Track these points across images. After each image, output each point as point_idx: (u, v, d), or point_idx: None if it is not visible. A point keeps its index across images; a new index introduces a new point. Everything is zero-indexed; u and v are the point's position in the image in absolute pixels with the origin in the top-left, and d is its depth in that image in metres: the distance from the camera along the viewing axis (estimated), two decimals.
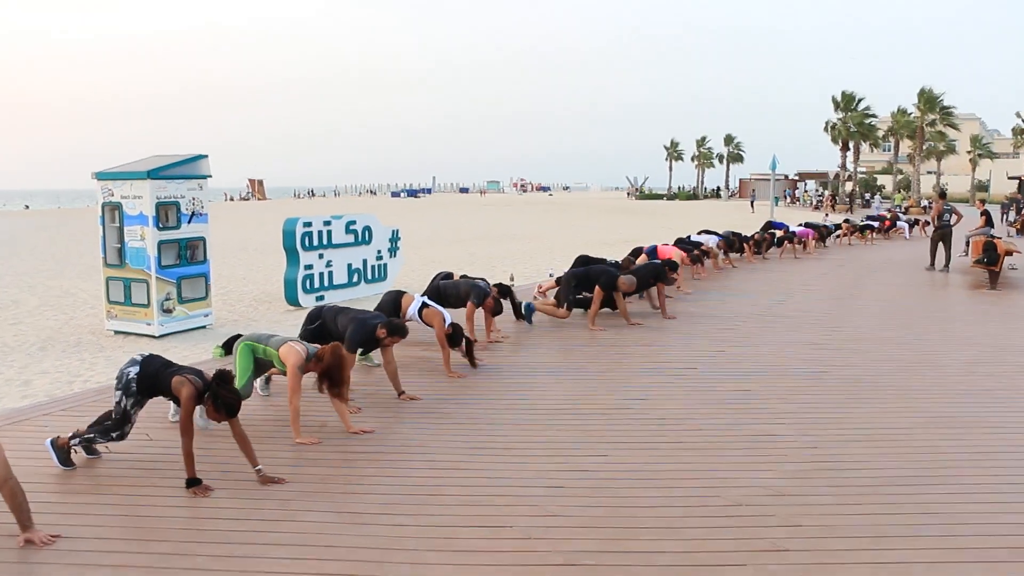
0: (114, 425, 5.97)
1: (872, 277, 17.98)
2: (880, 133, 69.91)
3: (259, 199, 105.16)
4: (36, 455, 6.05)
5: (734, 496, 5.41)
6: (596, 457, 6.19)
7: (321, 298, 15.34)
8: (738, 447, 6.42)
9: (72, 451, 6.04)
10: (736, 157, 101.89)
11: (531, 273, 19.81)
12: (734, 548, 4.69)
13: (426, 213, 60.96)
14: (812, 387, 8.29)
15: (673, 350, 10.10)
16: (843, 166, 69.84)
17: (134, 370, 5.97)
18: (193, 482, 5.52)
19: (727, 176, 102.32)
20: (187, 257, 12.73)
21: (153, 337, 12.21)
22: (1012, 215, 36.35)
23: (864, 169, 79.45)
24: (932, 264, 19.74)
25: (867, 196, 65.75)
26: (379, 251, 16.88)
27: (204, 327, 12.99)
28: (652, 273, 12.48)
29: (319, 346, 6.79)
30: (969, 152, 76.57)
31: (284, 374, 6.87)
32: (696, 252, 17.13)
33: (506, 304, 11.09)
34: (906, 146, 69.60)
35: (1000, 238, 18.95)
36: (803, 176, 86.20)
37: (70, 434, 6.05)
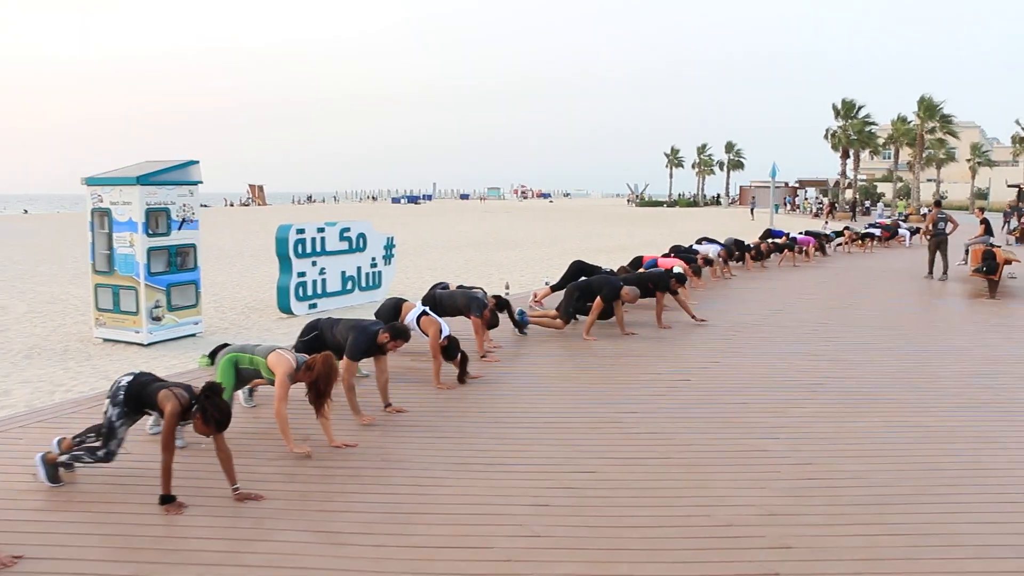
0: (101, 442, 5.78)
1: (870, 286, 17.81)
2: (880, 141, 69.82)
3: (259, 204, 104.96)
4: (4, 469, 5.89)
5: (724, 516, 5.24)
6: (583, 473, 6.02)
7: (314, 306, 15.19)
8: (729, 463, 6.25)
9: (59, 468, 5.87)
10: (736, 164, 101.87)
11: (528, 281, 19.65)
12: (723, 572, 4.52)
13: (425, 219, 60.78)
14: (807, 400, 8.12)
15: (666, 361, 9.93)
16: (843, 173, 69.68)
17: (127, 379, 5.82)
18: (167, 499, 5.35)
19: (727, 183, 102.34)
20: (177, 264, 12.55)
21: (142, 345, 12.04)
22: (1013, 223, 36.17)
23: (864, 177, 79.33)
24: (931, 273, 19.58)
25: (867, 204, 65.55)
26: (373, 258, 16.71)
27: (194, 335, 12.81)
28: (654, 281, 12.32)
29: (307, 356, 6.63)
30: (969, 160, 76.46)
31: (272, 383, 6.72)
32: (698, 262, 16.93)
33: (503, 317, 10.94)
34: (906, 154, 69.46)
35: (999, 247, 18.81)
36: (803, 183, 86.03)
37: (59, 450, 5.88)
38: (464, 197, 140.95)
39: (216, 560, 4.66)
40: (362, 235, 16.43)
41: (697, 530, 5.05)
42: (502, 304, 10.87)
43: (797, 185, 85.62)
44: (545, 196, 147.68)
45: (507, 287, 17.12)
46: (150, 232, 12.05)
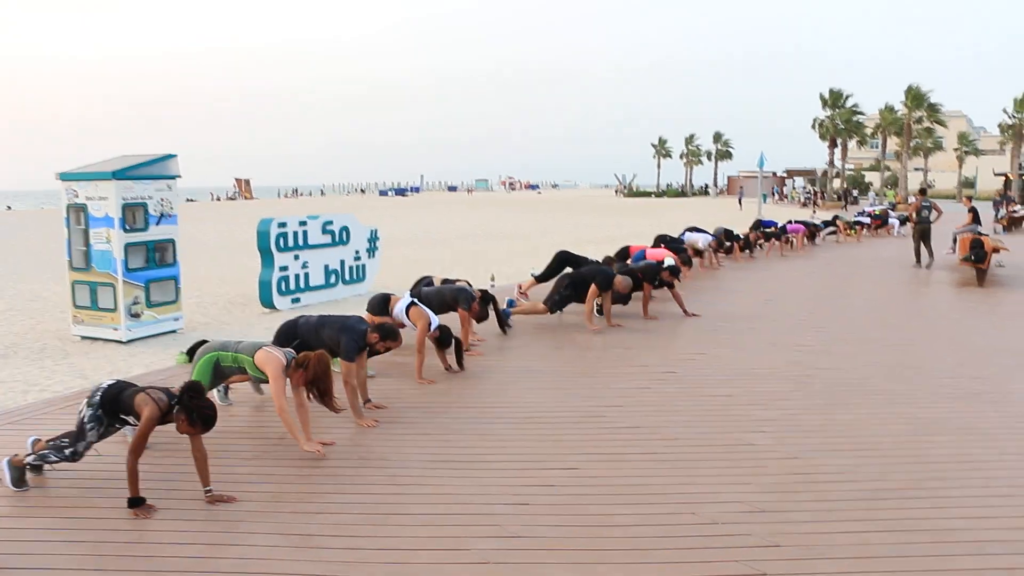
0: (69, 441, 5.59)
1: (859, 276, 17.72)
2: (868, 130, 69.90)
3: (246, 198, 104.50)
4: None
5: (710, 513, 5.10)
6: (565, 471, 5.87)
7: (297, 300, 15.01)
8: (715, 458, 6.11)
9: (27, 469, 5.69)
10: (724, 154, 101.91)
11: (514, 273, 19.47)
12: (709, 572, 4.38)
13: (412, 212, 60.54)
14: (794, 392, 7.99)
15: (653, 352, 9.79)
16: (831, 163, 69.77)
17: (107, 383, 5.61)
18: (136, 502, 5.18)
19: (715, 173, 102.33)
20: (156, 260, 12.34)
21: (121, 343, 11.85)
22: (1002, 212, 36.16)
23: (852, 166, 79.41)
24: (918, 261, 19.52)
25: (855, 193, 65.62)
26: (357, 251, 16.52)
27: (174, 331, 12.62)
28: (643, 272, 12.18)
29: (293, 351, 6.46)
30: (956, 149, 76.61)
31: (252, 381, 6.54)
32: (688, 252, 16.74)
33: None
34: (894, 143, 69.59)
35: (987, 235, 18.73)
36: (791, 173, 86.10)
37: (28, 451, 5.70)
38: (452, 189, 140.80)
39: (185, 567, 4.49)
40: (345, 228, 16.25)
41: (682, 528, 4.91)
42: (487, 299, 10.70)
43: (785, 175, 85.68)
44: (533, 188, 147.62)
45: (493, 279, 16.94)
46: (127, 228, 11.84)
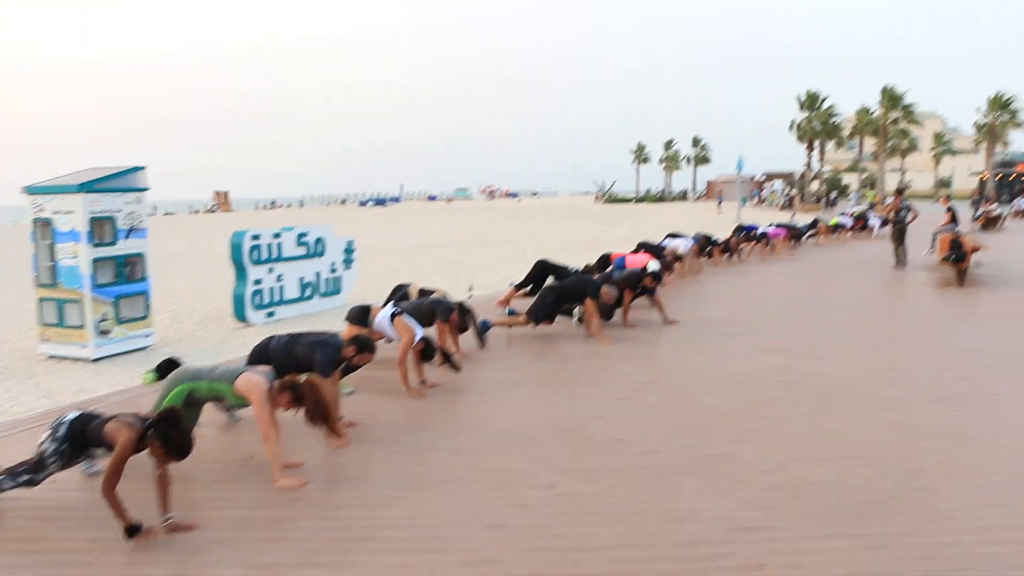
0: (26, 469, 5.31)
1: (840, 278, 17.61)
2: (845, 132, 70.21)
3: (225, 211, 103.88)
4: None
5: (692, 532, 4.89)
6: (542, 489, 5.64)
7: (272, 314, 14.74)
8: (698, 472, 5.90)
9: None
10: (703, 159, 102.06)
11: (493, 282, 19.24)
12: None
13: (392, 221, 60.24)
14: (778, 399, 7.80)
15: (633, 361, 9.59)
16: (809, 165, 69.98)
17: (72, 415, 5.28)
18: (133, 530, 4.86)
19: (694, 178, 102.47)
20: (125, 274, 12.06)
21: (89, 360, 11.56)
22: (980, 211, 36.29)
23: (830, 168, 79.70)
24: (898, 263, 19.45)
25: (833, 195, 65.85)
26: (333, 263, 16.26)
27: (145, 348, 12.33)
28: (624, 279, 12.00)
29: (273, 372, 6.21)
30: (932, 149, 77.04)
31: (235, 407, 6.30)
32: (668, 258, 16.55)
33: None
34: (870, 144, 69.87)
35: (966, 235, 18.67)
36: (770, 176, 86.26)
37: None
38: (432, 198, 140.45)
39: None
40: (320, 239, 15.99)
41: (664, 549, 4.69)
42: (464, 311, 10.45)
43: (763, 178, 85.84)
44: (513, 195, 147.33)
45: (471, 288, 16.73)
46: (95, 242, 11.56)
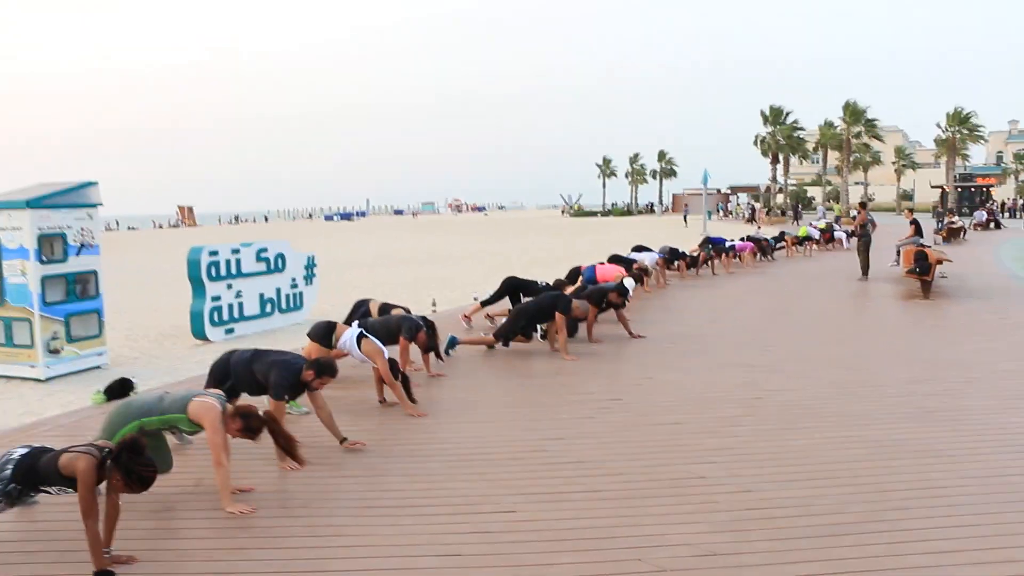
0: None
1: (807, 291, 17.55)
2: (809, 146, 70.80)
3: (189, 225, 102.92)
4: None
5: (657, 559, 4.67)
6: (501, 514, 5.40)
7: (231, 331, 14.42)
8: (663, 495, 5.69)
9: None
10: (669, 172, 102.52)
11: (457, 297, 19.02)
12: None
13: (357, 236, 59.86)
14: (745, 416, 7.62)
15: (597, 379, 9.36)
16: (773, 179, 70.46)
17: (20, 451, 4.90)
18: (104, 575, 4.60)
19: (660, 191, 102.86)
20: (76, 292, 11.71)
21: (39, 381, 11.19)
22: (942, 223, 36.64)
23: (795, 181, 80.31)
24: (865, 275, 19.46)
25: (798, 208, 66.29)
26: (294, 279, 15.96)
27: (99, 367, 11.97)
28: (589, 294, 11.80)
29: (224, 395, 5.93)
30: (894, 163, 77.88)
31: (189, 433, 6.01)
32: (636, 270, 16.36)
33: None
34: (834, 158, 70.49)
35: (930, 247, 18.71)
36: (735, 190, 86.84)
37: None
38: (398, 213, 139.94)
39: None
40: (280, 255, 15.68)
41: None
42: (430, 329, 10.17)
43: (729, 191, 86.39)
44: (480, 210, 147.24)
45: (434, 304, 16.48)
46: (44, 259, 11.22)
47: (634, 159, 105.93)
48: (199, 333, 14.19)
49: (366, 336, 8.24)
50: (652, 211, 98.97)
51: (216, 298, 14.29)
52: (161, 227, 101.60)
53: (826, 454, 6.48)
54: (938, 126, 65.60)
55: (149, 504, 5.68)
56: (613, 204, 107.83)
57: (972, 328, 12.35)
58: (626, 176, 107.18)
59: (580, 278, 15.04)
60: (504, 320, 11.52)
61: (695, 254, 21.78)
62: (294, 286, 15.96)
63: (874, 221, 20.36)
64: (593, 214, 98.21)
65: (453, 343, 10.97)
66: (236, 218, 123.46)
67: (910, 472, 6.02)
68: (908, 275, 16.74)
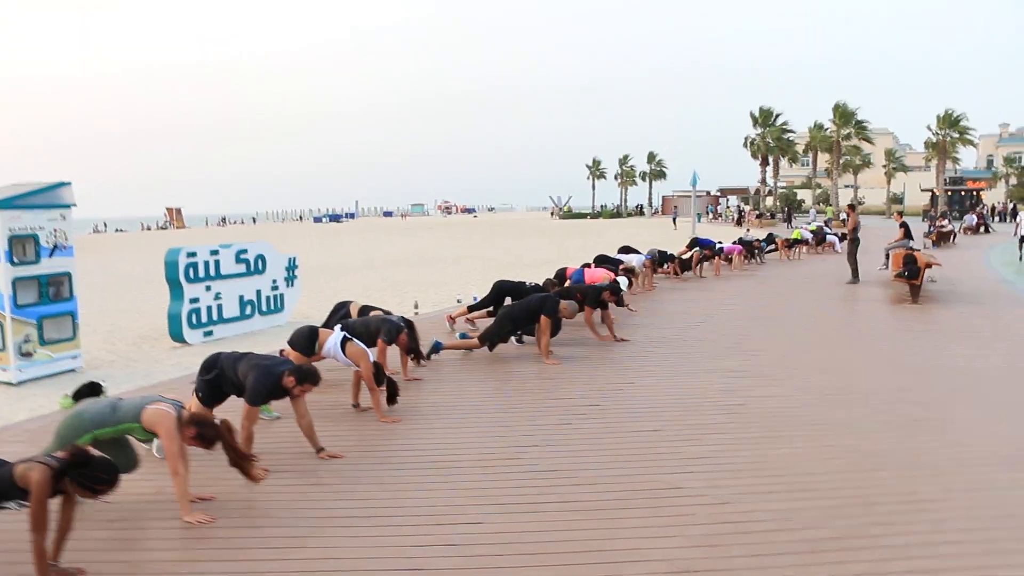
0: None
1: (795, 295, 17.35)
2: (799, 148, 70.69)
3: (178, 227, 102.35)
4: None
5: (631, 575, 4.46)
6: (468, 526, 5.18)
7: (210, 333, 14.18)
8: (639, 506, 5.47)
9: None
10: (659, 174, 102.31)
11: (441, 299, 18.79)
12: None
13: (345, 238, 59.58)
14: (726, 424, 7.40)
15: (576, 383, 9.13)
16: (763, 181, 70.35)
17: None
18: None
19: (650, 193, 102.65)
20: (49, 295, 11.46)
21: (10, 384, 10.94)
22: (933, 226, 36.55)
23: (784, 184, 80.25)
24: (855, 278, 19.29)
25: (787, 210, 66.20)
26: (274, 280, 15.71)
27: (73, 371, 11.73)
28: (583, 293, 11.60)
29: (182, 403, 5.69)
30: (884, 166, 77.84)
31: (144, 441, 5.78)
32: (622, 271, 16.15)
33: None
34: (824, 160, 70.41)
35: (919, 250, 18.55)
36: (725, 192, 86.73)
37: None
38: (387, 214, 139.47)
39: None
40: (261, 256, 15.43)
41: None
42: (411, 330, 9.94)
43: (719, 194, 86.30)
44: (470, 211, 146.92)
45: (416, 306, 16.26)
46: (15, 261, 10.97)
47: (624, 161, 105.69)
48: (177, 335, 13.95)
49: (350, 339, 8.02)
50: (642, 213, 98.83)
51: (194, 300, 14.05)
52: (149, 229, 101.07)
53: (808, 464, 6.27)
54: (928, 128, 65.51)
55: (106, 513, 5.47)
56: (603, 206, 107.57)
57: (961, 333, 12.17)
58: (616, 178, 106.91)
59: (568, 281, 14.82)
60: (490, 323, 11.29)
61: (684, 256, 21.61)
62: (275, 288, 15.71)
63: (859, 222, 20.17)
64: (583, 216, 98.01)
65: (437, 348, 10.75)
66: (223, 220, 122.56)
67: (894, 484, 5.81)
68: (896, 279, 16.58)
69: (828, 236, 31.26)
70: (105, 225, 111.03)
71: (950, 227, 37.11)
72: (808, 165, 76.03)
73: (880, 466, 6.19)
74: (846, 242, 23.34)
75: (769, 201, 70.69)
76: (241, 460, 5.57)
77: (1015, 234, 28.32)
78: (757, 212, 64.91)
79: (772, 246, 27.40)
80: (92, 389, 9.29)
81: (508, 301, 12.40)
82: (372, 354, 8.00)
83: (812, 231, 31.96)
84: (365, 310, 10.62)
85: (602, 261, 17.12)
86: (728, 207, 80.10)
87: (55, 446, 5.54)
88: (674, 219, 63.31)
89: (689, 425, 7.36)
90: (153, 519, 5.42)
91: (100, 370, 11.95)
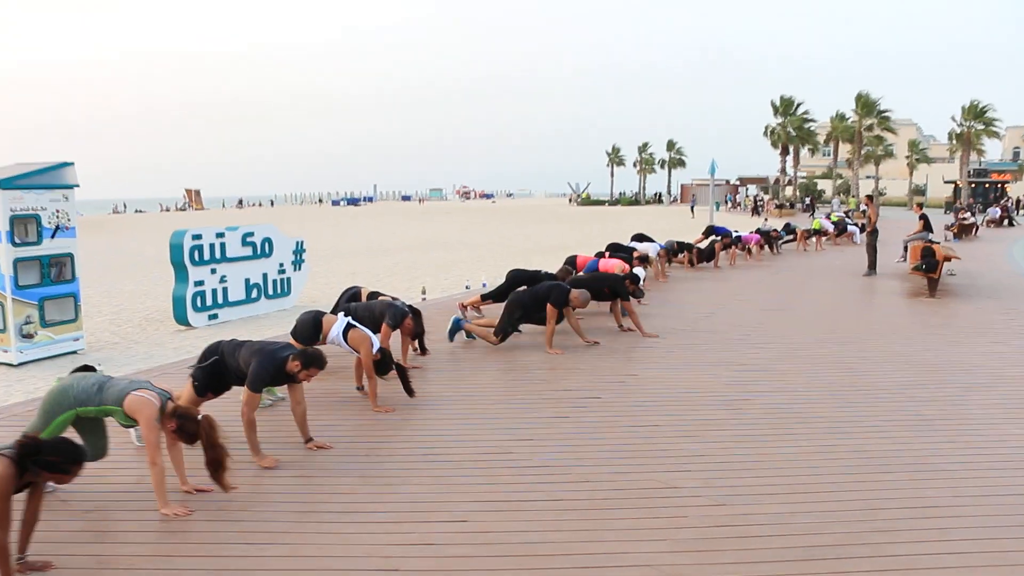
0: None
1: (809, 286, 17.03)
2: (820, 138, 69.95)
3: (196, 208, 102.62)
4: None
5: None
6: (451, 524, 4.97)
7: (215, 316, 14.08)
8: (629, 506, 5.24)
9: None
10: (678, 162, 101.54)
11: (450, 285, 18.61)
12: None
13: (362, 222, 59.44)
14: (728, 420, 7.16)
15: (578, 375, 8.89)
16: (783, 171, 69.72)
17: None
18: None
19: (669, 181, 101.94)
20: (51, 276, 11.36)
21: (11, 366, 10.86)
22: (951, 219, 36.01)
23: (804, 174, 79.54)
24: (873, 270, 18.95)
25: (807, 200, 65.46)
26: (281, 264, 15.57)
27: (74, 352, 11.64)
28: (607, 284, 11.36)
29: (170, 393, 5.51)
30: (907, 157, 76.98)
31: (126, 426, 5.60)
32: (637, 260, 15.86)
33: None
34: (845, 150, 69.65)
35: (939, 243, 18.19)
36: (744, 181, 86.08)
37: None
38: (406, 199, 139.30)
39: None
40: (267, 240, 15.29)
41: None
42: (416, 316, 9.71)
43: (738, 183, 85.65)
44: (488, 197, 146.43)
45: (424, 292, 16.07)
46: (16, 241, 10.88)
47: (643, 148, 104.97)
48: (181, 318, 13.86)
49: (354, 326, 7.82)
50: (660, 201, 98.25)
51: (199, 283, 13.94)
52: (168, 210, 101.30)
53: (810, 464, 6.03)
54: (953, 119, 64.66)
55: (80, 503, 5.31)
56: (621, 193, 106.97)
57: (978, 329, 11.86)
58: (634, 165, 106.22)
59: (580, 271, 14.53)
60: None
61: (701, 244, 21.28)
62: (282, 271, 15.59)
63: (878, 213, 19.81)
64: (601, 203, 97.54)
65: (458, 325, 10.63)
66: (241, 202, 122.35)
67: (900, 488, 5.56)
68: (914, 272, 16.25)
69: (849, 227, 30.73)
70: (125, 206, 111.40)
71: (972, 220, 36.56)
72: (829, 155, 75.24)
73: (886, 468, 5.94)
74: (865, 233, 22.97)
75: (788, 191, 70.04)
76: (218, 463, 5.35)
77: None
78: (777, 202, 64.21)
79: (790, 236, 26.95)
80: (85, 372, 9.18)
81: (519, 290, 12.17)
82: (376, 340, 7.79)
83: (834, 221, 31.45)
84: (373, 296, 10.43)
85: (616, 250, 16.82)
86: (747, 196, 79.42)
87: (39, 421, 5.45)
88: (692, 207, 62.78)
89: (690, 420, 7.13)
90: (129, 510, 5.25)
91: (102, 352, 11.86)
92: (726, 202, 74.68)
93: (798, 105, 66.88)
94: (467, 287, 16.65)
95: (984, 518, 5.06)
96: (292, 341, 7.93)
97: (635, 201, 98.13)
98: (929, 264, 15.54)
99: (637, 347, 10.40)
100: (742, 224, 32.44)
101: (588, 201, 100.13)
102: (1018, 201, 63.23)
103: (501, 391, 8.29)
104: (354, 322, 7.93)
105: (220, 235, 14.40)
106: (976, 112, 63.02)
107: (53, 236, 11.34)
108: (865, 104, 64.28)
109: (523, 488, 5.56)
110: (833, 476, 5.79)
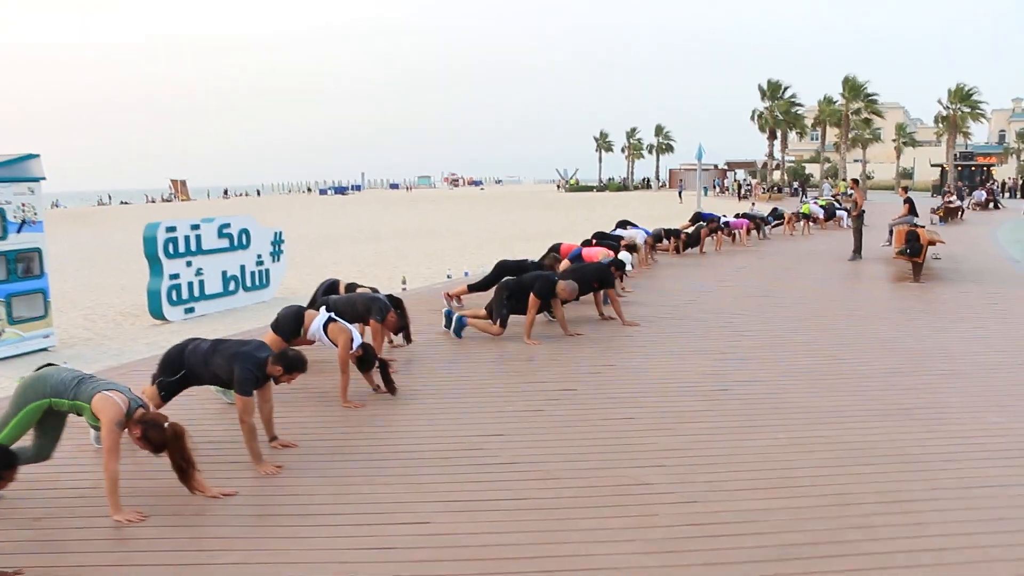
0: None
1: (795, 271, 16.86)
2: (807, 122, 69.88)
3: (183, 199, 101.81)
4: None
5: None
6: (412, 526, 4.78)
7: (191, 310, 13.85)
8: (598, 504, 5.07)
9: None
10: (666, 147, 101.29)
11: (432, 274, 18.41)
12: None
13: (348, 210, 59.11)
14: (706, 411, 6.99)
15: (554, 366, 8.70)
16: (771, 155, 69.65)
17: None
18: None
19: (657, 166, 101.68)
20: (18, 272, 11.12)
21: None
22: (938, 202, 35.91)
23: (792, 158, 79.48)
24: (859, 254, 18.82)
25: (802, 185, 65.34)
26: (259, 255, 15.35)
27: (45, 350, 11.41)
28: (595, 276, 11.16)
29: (144, 401, 5.30)
30: (894, 140, 76.97)
31: (94, 427, 5.41)
32: (624, 247, 15.63)
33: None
34: (832, 134, 69.57)
35: (923, 227, 18.05)
36: (732, 165, 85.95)
37: None
38: (394, 187, 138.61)
39: None
40: (245, 231, 15.06)
41: None
42: (399, 308, 9.47)
43: (726, 167, 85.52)
44: (476, 184, 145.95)
45: (404, 281, 15.86)
46: None
47: (631, 133, 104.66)
48: (156, 313, 13.64)
49: (334, 320, 7.61)
50: (648, 186, 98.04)
51: (174, 276, 13.71)
52: (153, 201, 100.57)
53: (786, 457, 5.87)
54: (939, 102, 64.57)
55: (29, 509, 5.10)
56: (609, 179, 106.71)
57: (962, 314, 11.72)
58: (622, 151, 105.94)
59: (565, 259, 14.31)
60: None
61: (688, 230, 21.09)
62: (260, 263, 15.37)
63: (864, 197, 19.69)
64: (589, 189, 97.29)
65: (461, 323, 10.41)
66: (226, 192, 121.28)
67: (877, 482, 5.39)
68: (898, 256, 16.11)
69: (837, 211, 30.56)
70: (110, 197, 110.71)
71: (958, 203, 36.47)
72: (816, 139, 75.17)
73: (863, 460, 5.77)
74: (851, 217, 22.82)
75: (776, 175, 69.95)
76: (186, 471, 5.17)
77: None
78: (764, 186, 64.08)
79: (778, 221, 26.77)
80: None
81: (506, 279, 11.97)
82: (356, 335, 7.57)
83: (822, 205, 31.29)
84: (351, 288, 10.19)
85: (602, 238, 16.60)
86: (735, 181, 79.27)
87: (12, 407, 5.29)
88: (680, 192, 62.64)
89: (665, 413, 6.95)
90: (82, 517, 5.05)
91: (73, 348, 11.65)
92: (714, 187, 74.55)
93: (785, 89, 66.85)
94: (448, 276, 16.46)
95: (962, 511, 4.92)
96: (273, 335, 7.71)
97: (623, 187, 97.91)
98: (913, 248, 15.40)
99: (617, 336, 10.22)
100: (728, 208, 32.24)
101: (576, 187, 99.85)
102: (1003, 184, 63.24)
103: (475, 384, 8.08)
104: (336, 317, 7.73)
105: (195, 227, 14.17)
106: (962, 95, 62.91)
107: (19, 231, 11.10)
108: (852, 87, 64.14)
109: (489, 487, 5.38)
110: (808, 469, 5.63)
